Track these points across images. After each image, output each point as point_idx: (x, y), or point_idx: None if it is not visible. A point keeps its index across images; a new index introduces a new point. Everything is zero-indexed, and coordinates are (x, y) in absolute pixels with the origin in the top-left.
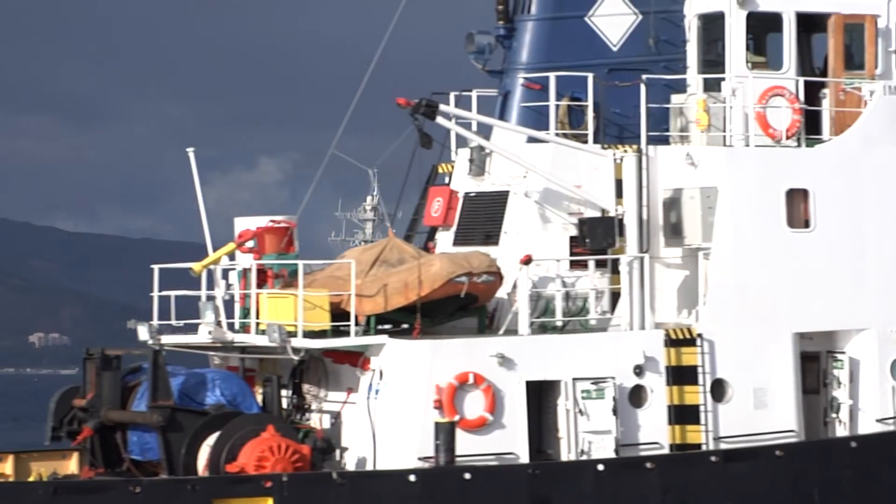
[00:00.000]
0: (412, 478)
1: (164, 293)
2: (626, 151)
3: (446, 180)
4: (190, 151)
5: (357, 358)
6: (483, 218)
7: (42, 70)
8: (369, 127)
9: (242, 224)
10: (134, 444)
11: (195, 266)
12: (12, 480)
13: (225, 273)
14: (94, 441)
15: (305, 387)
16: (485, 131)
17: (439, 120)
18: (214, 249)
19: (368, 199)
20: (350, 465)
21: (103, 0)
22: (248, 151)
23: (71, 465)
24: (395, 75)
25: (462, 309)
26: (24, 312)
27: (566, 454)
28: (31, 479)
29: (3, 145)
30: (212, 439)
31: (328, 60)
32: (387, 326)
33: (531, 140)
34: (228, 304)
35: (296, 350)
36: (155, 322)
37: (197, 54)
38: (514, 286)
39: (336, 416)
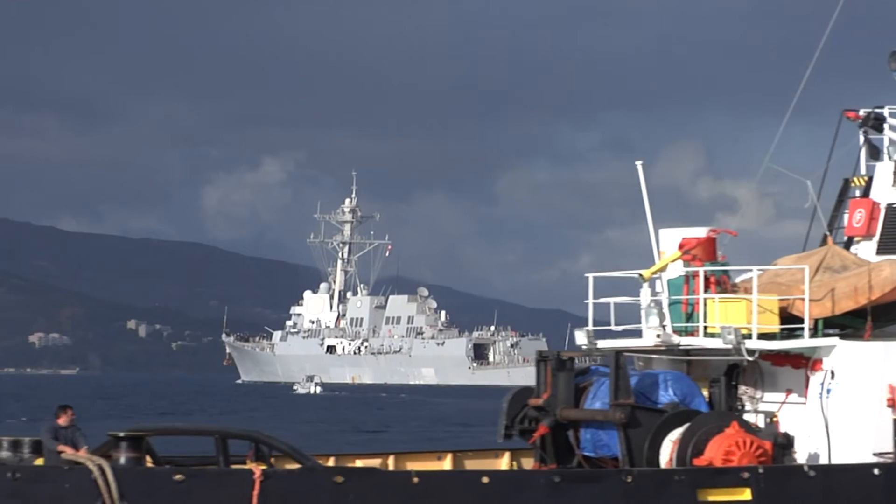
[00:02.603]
0: (876, 471)
1: (602, 300)
2: None
3: (856, 193)
4: (638, 164)
5: (798, 360)
6: None
7: (43, 70)
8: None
9: (669, 235)
10: (587, 442)
11: (644, 273)
12: (514, 469)
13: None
14: (547, 439)
15: (741, 388)
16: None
17: (887, 132)
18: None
19: (347, 201)
20: (800, 460)
21: (105, 1)
22: (250, 151)
23: (502, 463)
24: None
25: None
26: (24, 312)
27: None
28: None
29: (3, 145)
30: (674, 435)
31: (331, 61)
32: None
33: None
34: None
35: (750, 352)
36: (591, 327)
37: (198, 54)
38: None
39: (771, 416)
